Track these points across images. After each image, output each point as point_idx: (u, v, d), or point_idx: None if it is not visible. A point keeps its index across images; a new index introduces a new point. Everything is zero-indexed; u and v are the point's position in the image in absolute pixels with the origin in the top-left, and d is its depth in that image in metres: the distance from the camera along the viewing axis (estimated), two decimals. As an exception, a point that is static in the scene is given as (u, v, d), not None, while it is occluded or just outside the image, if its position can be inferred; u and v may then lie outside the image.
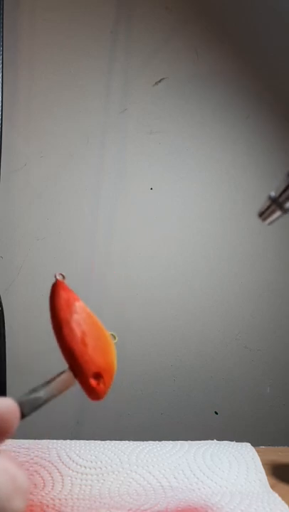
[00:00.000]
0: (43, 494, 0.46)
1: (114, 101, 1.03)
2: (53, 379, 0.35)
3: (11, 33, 0.97)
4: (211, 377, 1.11)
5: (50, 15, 1.00)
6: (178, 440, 0.57)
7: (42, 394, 0.33)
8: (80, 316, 0.38)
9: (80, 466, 0.50)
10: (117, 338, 0.41)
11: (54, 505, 0.45)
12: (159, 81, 1.03)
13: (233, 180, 1.06)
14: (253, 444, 0.59)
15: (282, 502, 0.46)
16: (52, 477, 0.48)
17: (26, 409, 0.32)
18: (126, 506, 0.45)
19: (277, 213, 0.38)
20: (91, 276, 1.06)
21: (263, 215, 0.39)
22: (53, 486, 0.47)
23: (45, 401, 0.33)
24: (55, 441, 0.53)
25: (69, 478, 0.48)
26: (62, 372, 0.36)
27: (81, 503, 0.45)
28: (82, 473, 0.49)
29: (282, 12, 1.03)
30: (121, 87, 1.03)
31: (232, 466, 0.52)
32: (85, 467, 0.50)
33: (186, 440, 0.57)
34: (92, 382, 0.37)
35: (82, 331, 0.37)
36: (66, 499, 0.46)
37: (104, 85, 1.02)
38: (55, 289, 0.38)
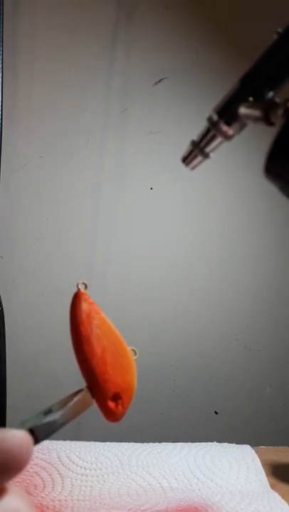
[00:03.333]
0: (43, 495, 0.46)
1: (114, 101, 1.03)
2: (70, 399, 0.33)
3: (11, 33, 0.97)
4: (211, 377, 1.11)
5: (50, 15, 1.00)
6: (178, 440, 0.57)
7: (58, 417, 0.31)
8: (102, 330, 0.36)
9: (80, 467, 0.50)
10: (138, 353, 0.38)
11: (54, 506, 0.45)
12: (159, 81, 1.03)
13: (233, 181, 1.06)
14: (253, 444, 0.59)
15: (282, 501, 0.46)
16: (52, 478, 0.48)
17: (41, 435, 0.30)
18: (126, 507, 0.45)
19: (199, 158, 0.40)
20: (91, 276, 1.06)
21: (186, 160, 0.40)
22: (52, 487, 0.47)
23: (62, 425, 0.31)
24: (55, 442, 0.53)
25: (69, 479, 0.48)
26: (78, 391, 0.34)
27: (81, 504, 0.45)
28: (82, 475, 0.49)
29: (282, 11, 1.03)
30: (121, 87, 1.03)
31: (232, 467, 0.53)
32: (85, 468, 0.50)
33: (186, 440, 0.57)
34: (111, 404, 0.35)
35: (103, 347, 0.35)
36: (66, 500, 0.46)
37: (104, 85, 1.02)
38: (77, 300, 0.36)
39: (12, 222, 1.03)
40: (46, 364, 1.07)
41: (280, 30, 0.35)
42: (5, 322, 0.97)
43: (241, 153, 1.06)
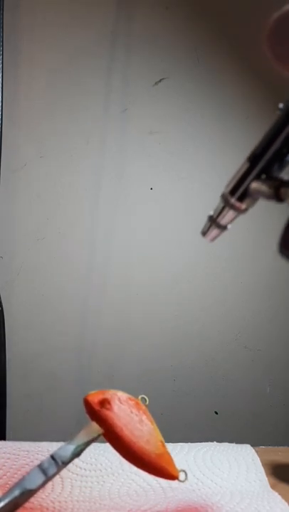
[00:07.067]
0: (43, 497, 0.46)
1: (114, 101, 1.03)
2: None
3: (11, 33, 0.97)
4: (211, 377, 1.11)
5: (50, 15, 1.00)
6: (178, 440, 0.57)
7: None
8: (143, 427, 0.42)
9: (80, 468, 0.50)
10: (147, 400, 0.44)
11: (54, 508, 0.45)
12: (159, 81, 1.03)
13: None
14: (253, 444, 0.59)
15: (283, 501, 0.46)
16: (51, 479, 0.48)
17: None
18: (126, 507, 0.45)
19: (217, 231, 0.44)
20: (91, 276, 1.06)
21: (206, 233, 0.44)
22: (52, 488, 0.47)
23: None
24: (55, 443, 0.53)
25: (69, 480, 0.48)
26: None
27: (81, 505, 0.45)
28: (82, 476, 0.49)
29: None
30: (121, 87, 1.03)
31: (232, 467, 0.53)
32: (85, 469, 0.50)
33: (186, 440, 0.57)
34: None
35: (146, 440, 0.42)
36: (66, 501, 0.46)
37: (104, 85, 1.02)
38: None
39: (12, 222, 1.03)
40: (46, 364, 1.06)
41: (281, 106, 0.37)
42: (5, 322, 0.97)
43: (241, 154, 1.06)
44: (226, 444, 0.57)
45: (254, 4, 1.03)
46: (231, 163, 1.08)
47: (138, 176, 1.05)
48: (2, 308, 0.96)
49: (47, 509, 0.44)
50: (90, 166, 1.04)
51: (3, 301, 0.96)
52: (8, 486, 0.46)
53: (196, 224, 1.07)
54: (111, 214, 1.05)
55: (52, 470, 0.38)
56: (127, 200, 1.05)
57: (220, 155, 1.06)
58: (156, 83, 1.03)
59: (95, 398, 0.41)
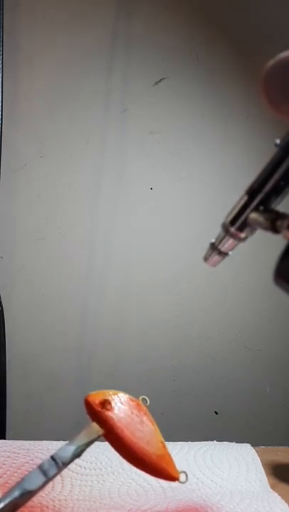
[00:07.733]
0: (43, 495, 0.46)
1: (114, 101, 1.03)
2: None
3: (11, 32, 0.97)
4: (211, 377, 1.11)
5: (50, 14, 1.00)
6: (178, 440, 0.57)
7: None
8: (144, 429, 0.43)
9: (80, 467, 0.50)
10: (148, 401, 0.45)
11: (54, 506, 0.45)
12: (159, 81, 1.03)
13: (233, 181, 1.06)
14: (253, 444, 0.59)
15: (282, 501, 0.47)
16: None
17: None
18: (126, 507, 0.45)
19: (219, 257, 0.47)
20: (91, 276, 1.06)
21: (208, 259, 0.48)
22: (52, 487, 0.47)
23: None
24: (55, 442, 0.53)
25: (69, 479, 0.48)
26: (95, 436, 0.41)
27: (81, 504, 0.45)
28: (82, 474, 0.49)
29: (282, 11, 1.03)
30: (121, 87, 1.03)
31: (232, 467, 0.53)
32: (85, 468, 0.50)
33: (186, 440, 0.57)
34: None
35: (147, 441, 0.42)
36: (66, 500, 0.46)
37: (104, 85, 1.02)
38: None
39: (12, 222, 1.03)
40: (46, 364, 1.06)
41: (277, 141, 0.38)
42: (5, 322, 0.97)
43: (241, 153, 1.06)
44: (226, 444, 0.57)
45: (254, 4, 1.03)
46: (231, 163, 1.08)
47: (138, 176, 1.05)
48: (2, 309, 0.96)
49: (47, 508, 0.44)
50: (90, 166, 1.04)
51: (3, 301, 0.96)
52: (8, 484, 0.46)
53: (196, 224, 1.07)
54: (111, 214, 1.05)
55: (52, 471, 0.38)
56: (127, 200, 1.05)
57: (220, 155, 1.06)
58: (156, 83, 1.03)
59: (95, 399, 0.41)
